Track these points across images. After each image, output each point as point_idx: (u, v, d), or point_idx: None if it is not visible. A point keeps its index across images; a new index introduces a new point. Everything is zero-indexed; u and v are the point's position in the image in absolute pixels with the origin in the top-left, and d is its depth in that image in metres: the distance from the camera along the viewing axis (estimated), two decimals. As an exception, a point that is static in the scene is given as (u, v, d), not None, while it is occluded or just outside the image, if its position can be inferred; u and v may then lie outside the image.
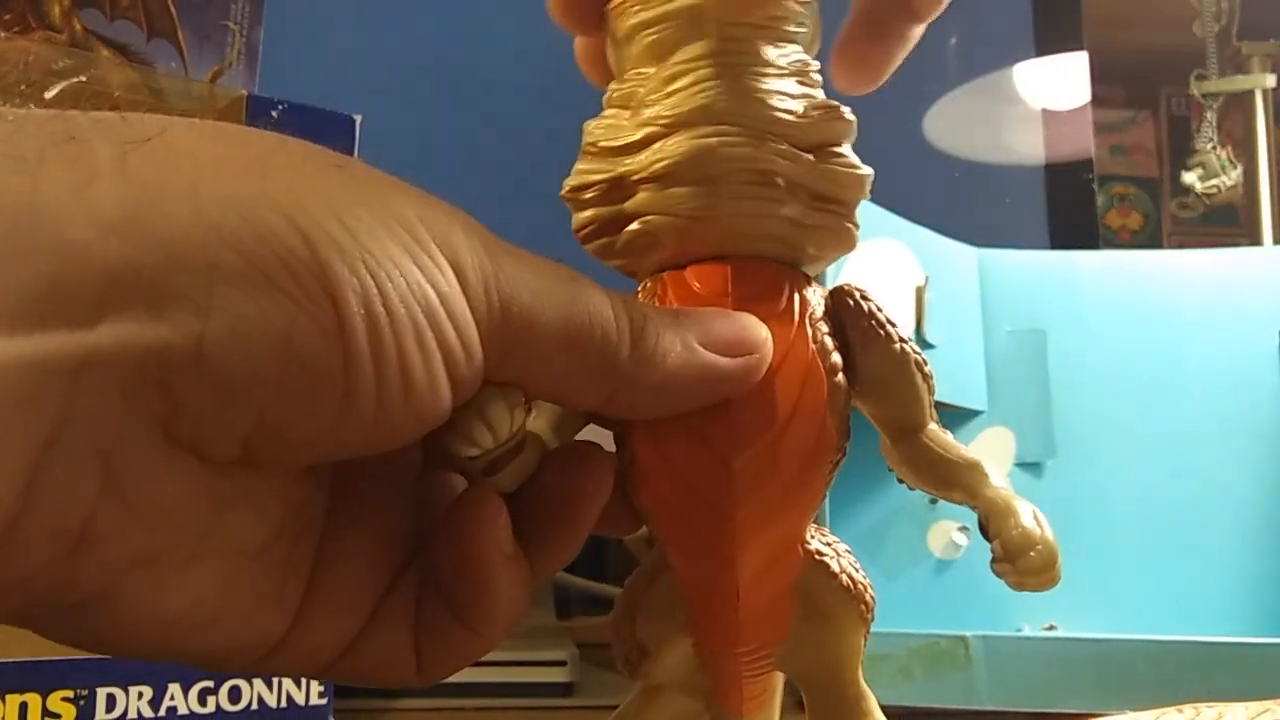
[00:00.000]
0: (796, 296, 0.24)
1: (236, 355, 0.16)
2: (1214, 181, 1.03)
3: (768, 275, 0.24)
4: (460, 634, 0.21)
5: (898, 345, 0.25)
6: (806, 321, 0.24)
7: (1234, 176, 1.03)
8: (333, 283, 0.17)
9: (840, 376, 0.24)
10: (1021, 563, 0.23)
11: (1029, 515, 0.23)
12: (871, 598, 0.26)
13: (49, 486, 0.15)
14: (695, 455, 0.23)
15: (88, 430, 0.16)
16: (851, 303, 0.25)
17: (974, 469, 0.24)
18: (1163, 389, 0.63)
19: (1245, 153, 1.04)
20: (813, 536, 0.26)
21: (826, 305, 0.25)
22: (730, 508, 0.23)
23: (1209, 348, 0.64)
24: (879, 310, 0.25)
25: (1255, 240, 1.05)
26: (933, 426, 0.25)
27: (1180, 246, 1.06)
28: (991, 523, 0.24)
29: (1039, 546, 0.23)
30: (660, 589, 0.26)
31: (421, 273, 0.18)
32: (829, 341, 0.24)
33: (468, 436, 0.20)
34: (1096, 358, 0.65)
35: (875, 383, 0.25)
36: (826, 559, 0.26)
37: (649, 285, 0.25)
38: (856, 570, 0.26)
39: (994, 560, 0.24)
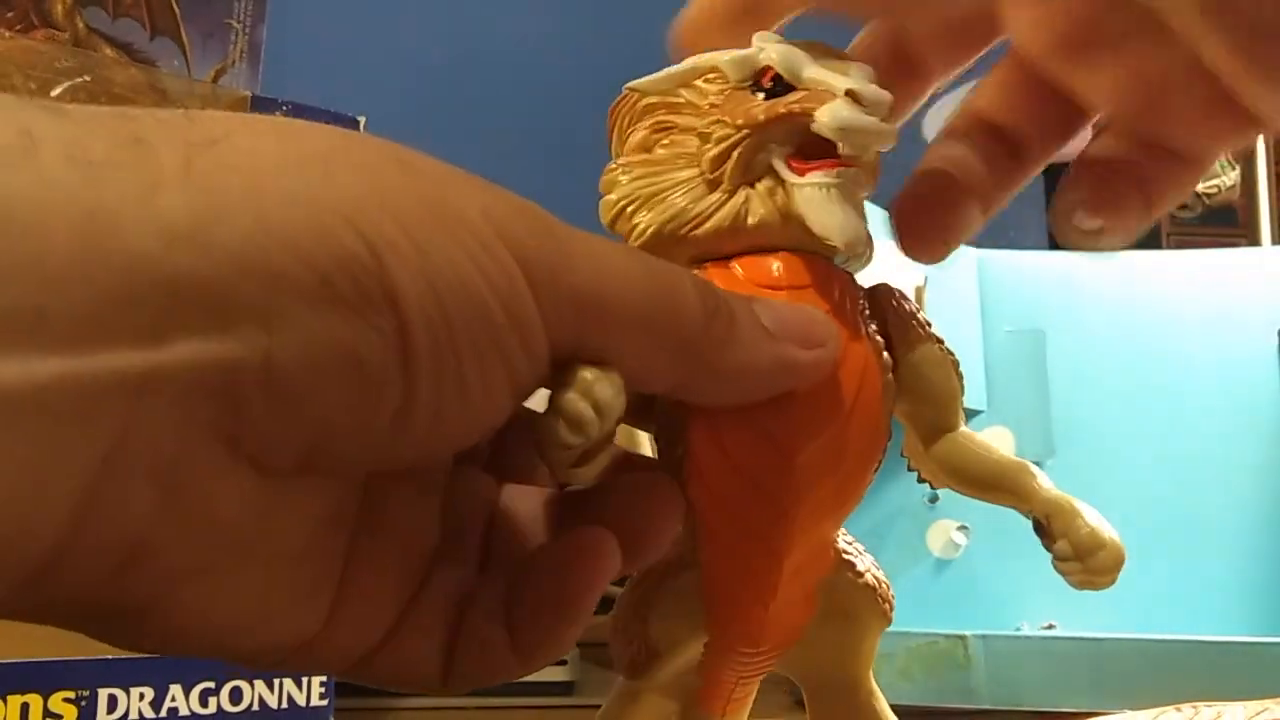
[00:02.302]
0: (847, 291, 0.24)
1: (302, 368, 0.16)
2: (1214, 182, 1.03)
3: (818, 269, 0.24)
4: (507, 655, 0.21)
5: (938, 346, 0.25)
6: (859, 317, 0.24)
7: (1233, 177, 1.03)
8: (396, 293, 0.17)
9: (890, 375, 0.24)
10: (1091, 561, 0.23)
11: (1095, 515, 0.24)
12: (893, 596, 0.26)
13: (104, 505, 0.15)
14: (756, 449, 0.22)
15: (147, 447, 0.15)
16: (894, 303, 0.25)
17: (1024, 470, 0.24)
18: (1161, 389, 0.64)
19: (1243, 154, 1.04)
20: (836, 536, 0.26)
21: (869, 304, 0.25)
22: (791, 504, 0.23)
23: (1208, 348, 0.64)
24: (918, 310, 0.25)
25: (1254, 241, 1.05)
26: (964, 428, 0.25)
27: (1179, 247, 1.06)
28: (1057, 522, 0.24)
29: (1107, 546, 0.23)
30: (676, 588, 0.25)
31: (484, 277, 0.18)
32: (879, 339, 0.24)
33: (575, 423, 0.19)
34: (1095, 358, 0.65)
35: (916, 382, 0.25)
36: (852, 557, 0.26)
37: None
38: (877, 569, 0.26)
39: (1060, 559, 0.23)
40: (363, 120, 0.42)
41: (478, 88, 0.77)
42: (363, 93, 0.48)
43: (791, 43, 0.24)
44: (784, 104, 0.23)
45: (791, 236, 0.23)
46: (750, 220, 0.23)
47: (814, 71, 0.23)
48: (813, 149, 0.23)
